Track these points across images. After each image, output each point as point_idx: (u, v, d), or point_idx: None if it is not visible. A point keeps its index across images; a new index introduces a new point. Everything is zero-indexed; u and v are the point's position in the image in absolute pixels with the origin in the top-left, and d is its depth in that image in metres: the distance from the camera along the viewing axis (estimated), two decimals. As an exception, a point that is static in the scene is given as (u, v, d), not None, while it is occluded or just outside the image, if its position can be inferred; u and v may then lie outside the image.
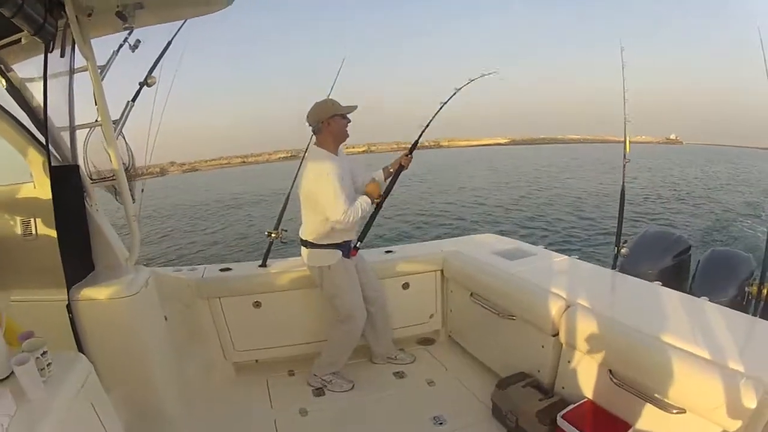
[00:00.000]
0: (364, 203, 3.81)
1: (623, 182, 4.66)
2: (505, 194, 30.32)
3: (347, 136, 3.97)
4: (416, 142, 4.32)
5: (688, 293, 3.82)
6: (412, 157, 4.23)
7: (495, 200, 27.88)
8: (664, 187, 32.34)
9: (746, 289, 4.11)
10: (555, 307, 3.53)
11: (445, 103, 4.37)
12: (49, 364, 1.91)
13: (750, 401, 2.35)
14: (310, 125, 3.91)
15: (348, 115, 3.92)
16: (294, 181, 4.61)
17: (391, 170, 4.19)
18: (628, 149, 4.61)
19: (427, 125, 4.36)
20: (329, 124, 3.82)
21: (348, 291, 4.06)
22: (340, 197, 3.64)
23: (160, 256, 17.73)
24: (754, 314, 3.69)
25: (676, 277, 4.92)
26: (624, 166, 4.65)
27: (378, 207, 4.04)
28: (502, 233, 6.02)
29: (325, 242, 3.92)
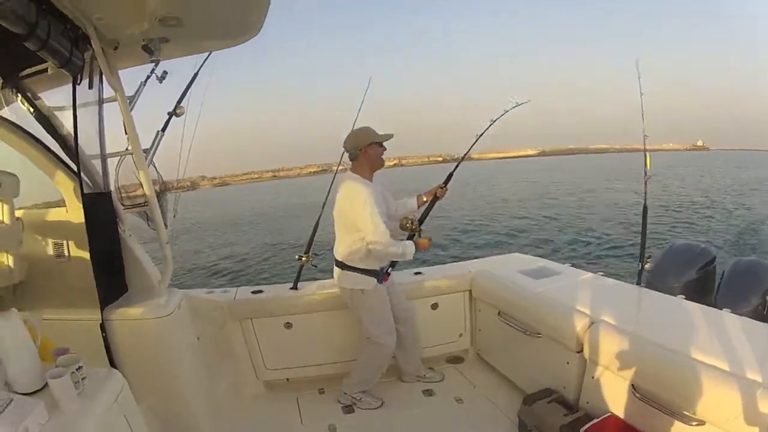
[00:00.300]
0: (409, 251, 3.89)
1: (645, 199, 4.64)
2: (533, 209, 30.15)
3: (383, 164, 4.03)
4: (451, 174, 4.38)
5: (712, 305, 3.81)
6: (447, 189, 4.30)
7: (523, 216, 27.79)
8: (692, 195, 32.08)
9: (767, 297, 4.15)
10: (579, 324, 3.57)
11: (481, 135, 4.53)
12: (83, 378, 1.95)
13: (766, 410, 2.36)
14: (347, 151, 3.98)
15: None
16: (323, 206, 4.67)
17: (425, 199, 4.28)
18: (648, 165, 4.59)
19: (463, 157, 4.56)
20: (366, 151, 3.88)
21: (380, 315, 4.11)
22: (377, 219, 3.70)
23: (191, 274, 17.88)
24: None
25: (701, 289, 4.92)
26: (645, 182, 4.64)
27: (412, 236, 4.12)
28: (529, 248, 6.04)
29: (359, 266, 3.96)
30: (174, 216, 3.71)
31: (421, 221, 4.23)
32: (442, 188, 4.30)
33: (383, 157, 4.01)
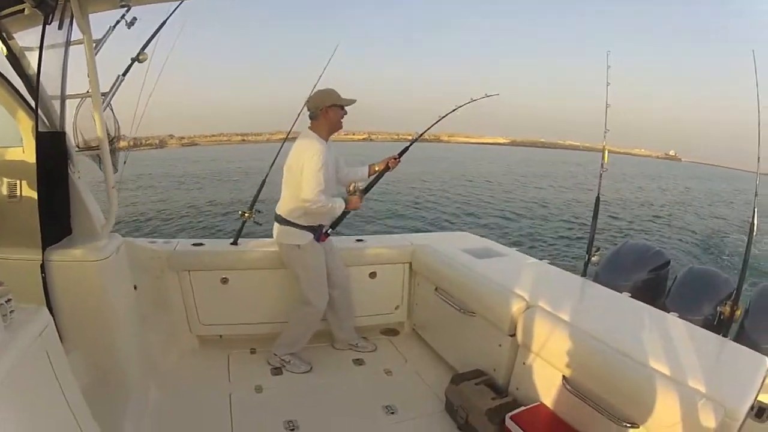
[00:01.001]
0: (337, 206, 3.99)
1: (599, 191, 4.74)
2: (495, 194, 30.38)
3: (341, 127, 4.10)
4: (406, 148, 4.47)
5: (661, 308, 3.80)
6: (400, 161, 4.38)
7: (483, 199, 28.07)
8: (657, 200, 32.44)
9: (718, 308, 4.08)
10: (514, 307, 3.58)
11: (443, 117, 4.56)
12: (12, 311, 1.96)
13: (707, 422, 2.34)
14: (308, 110, 4.02)
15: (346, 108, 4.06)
16: (271, 166, 4.77)
17: (377, 169, 4.34)
18: (606, 159, 4.68)
19: (420, 135, 4.62)
20: (327, 112, 3.94)
21: (313, 274, 4.16)
22: (318, 179, 3.77)
23: (138, 224, 18.14)
24: (725, 335, 3.67)
25: (651, 291, 4.88)
26: (601, 174, 4.72)
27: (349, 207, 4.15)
28: (481, 230, 6.09)
29: (299, 222, 4.01)
30: (125, 162, 3.69)
31: (366, 189, 4.30)
32: (395, 159, 4.38)
33: (342, 121, 4.09)
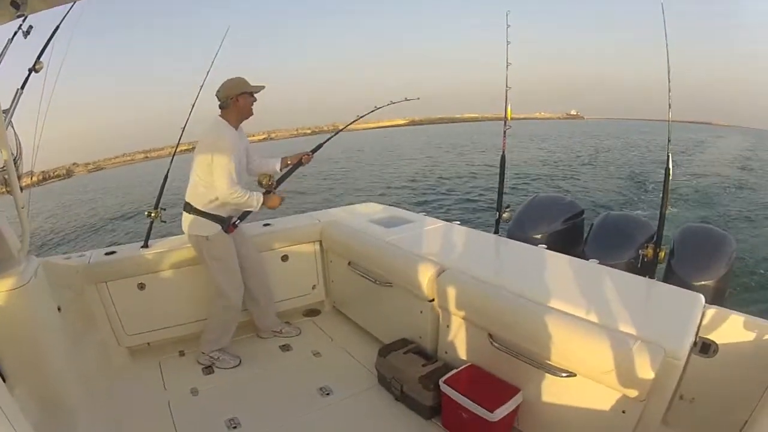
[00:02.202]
0: (255, 200, 3.97)
1: (503, 149, 4.77)
2: (398, 169, 30.78)
3: (251, 113, 4.08)
4: (320, 145, 4.51)
5: (580, 257, 3.86)
6: (312, 157, 4.42)
7: (385, 176, 28.57)
8: (565, 159, 33.31)
9: (640, 252, 4.04)
10: (428, 273, 3.61)
11: (362, 116, 4.68)
12: None
13: (646, 364, 2.36)
14: (219, 99, 3.98)
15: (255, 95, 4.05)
16: (171, 161, 4.75)
17: (289, 162, 4.37)
18: (509, 116, 4.71)
19: (337, 132, 4.76)
20: (237, 100, 3.93)
21: (224, 266, 4.15)
22: (230, 170, 3.78)
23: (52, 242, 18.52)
24: (650, 277, 3.60)
25: (567, 241, 4.95)
26: (504, 132, 4.73)
27: (267, 194, 4.12)
28: (386, 199, 6.07)
29: (206, 209, 3.99)
30: (32, 180, 3.65)
31: (279, 181, 4.29)
32: (308, 155, 4.40)
33: (252, 107, 4.06)
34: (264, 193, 4.09)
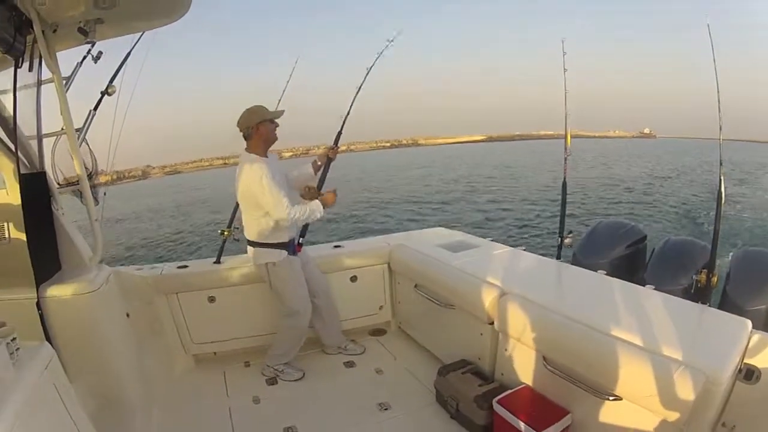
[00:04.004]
0: (315, 207, 4.05)
1: (564, 175, 4.75)
2: (472, 190, 30.57)
3: (275, 139, 4.17)
4: (339, 133, 4.64)
5: (641, 283, 3.80)
6: (338, 148, 4.54)
7: (457, 196, 28.46)
8: (633, 180, 32.61)
9: (694, 277, 3.95)
10: (489, 296, 3.67)
11: (360, 86, 4.79)
12: (17, 349, 2.04)
13: (687, 390, 2.36)
14: (240, 131, 4.09)
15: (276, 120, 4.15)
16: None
17: (319, 163, 4.46)
18: (569, 143, 4.72)
19: (347, 114, 4.76)
20: (258, 129, 4.02)
21: (293, 286, 4.25)
22: (280, 196, 3.85)
23: (125, 255, 18.51)
24: (704, 302, 3.46)
25: (629, 267, 4.84)
26: (565, 159, 4.76)
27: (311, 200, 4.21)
28: (455, 225, 6.13)
29: (269, 241, 4.11)
30: (104, 194, 3.75)
31: (319, 186, 4.41)
32: (332, 149, 4.52)
33: (276, 133, 4.17)
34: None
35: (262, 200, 3.88)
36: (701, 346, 2.69)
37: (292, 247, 4.23)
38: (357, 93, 4.78)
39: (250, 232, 4.17)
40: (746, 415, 2.53)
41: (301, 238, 4.34)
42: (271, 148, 4.19)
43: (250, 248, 4.24)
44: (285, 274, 4.21)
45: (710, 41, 3.73)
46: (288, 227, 4.10)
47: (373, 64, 4.83)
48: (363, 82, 4.79)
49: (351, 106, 4.80)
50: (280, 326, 4.44)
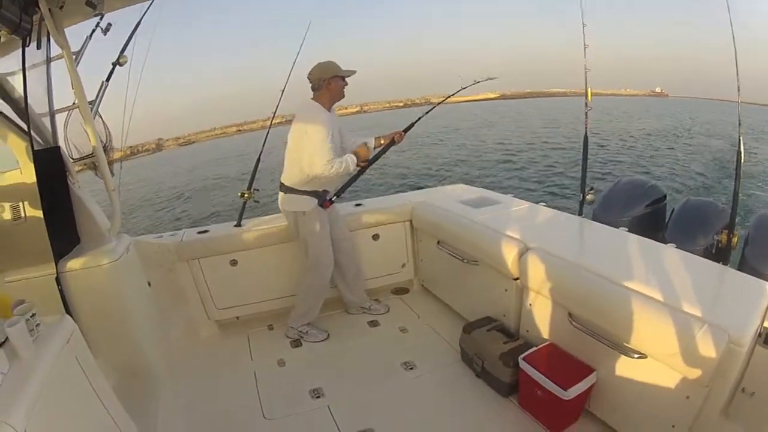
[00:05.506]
0: (350, 160, 4.01)
1: (586, 131, 4.72)
2: (489, 148, 30.37)
3: (343, 96, 4.17)
4: (413, 123, 4.56)
5: (660, 241, 3.75)
6: (405, 136, 4.47)
7: (475, 152, 28.30)
8: (650, 139, 32.31)
9: (715, 237, 3.99)
10: (513, 251, 3.63)
11: (449, 96, 4.80)
12: (38, 325, 2.06)
13: (709, 349, 2.33)
14: (311, 82, 4.08)
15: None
16: (264, 143, 4.87)
17: (383, 141, 4.42)
18: (590, 98, 4.62)
19: (427, 112, 4.75)
20: (329, 83, 4.01)
21: (318, 238, 4.25)
22: (328, 146, 3.84)
23: (144, 224, 18.65)
24: (724, 263, 3.48)
25: (649, 225, 4.89)
26: (586, 114, 4.70)
27: (361, 171, 4.25)
28: (476, 181, 6.08)
29: (303, 188, 4.10)
30: (120, 166, 3.78)
31: (372, 161, 4.35)
32: (401, 134, 4.46)
33: (344, 91, 4.16)
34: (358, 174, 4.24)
35: (311, 149, 3.88)
36: (723, 306, 2.66)
37: (322, 199, 4.20)
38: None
39: (288, 176, 4.17)
40: (766, 382, 2.49)
41: (335, 197, 4.31)
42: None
43: (281, 194, 4.25)
44: (314, 226, 4.21)
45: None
46: (325, 182, 4.12)
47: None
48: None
49: (433, 108, 4.86)
50: (301, 282, 4.46)
